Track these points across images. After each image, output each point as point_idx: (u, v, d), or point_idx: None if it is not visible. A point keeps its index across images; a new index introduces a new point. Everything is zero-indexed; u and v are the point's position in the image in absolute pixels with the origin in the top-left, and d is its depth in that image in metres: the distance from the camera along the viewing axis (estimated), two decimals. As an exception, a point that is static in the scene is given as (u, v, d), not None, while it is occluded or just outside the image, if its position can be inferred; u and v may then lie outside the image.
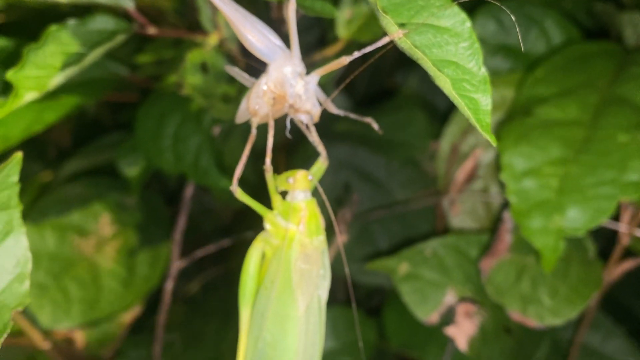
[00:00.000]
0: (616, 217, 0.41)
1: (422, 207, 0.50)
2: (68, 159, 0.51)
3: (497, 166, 0.45)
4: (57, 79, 0.31)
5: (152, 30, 0.36)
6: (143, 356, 0.50)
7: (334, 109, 0.26)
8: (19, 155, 0.25)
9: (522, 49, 0.43)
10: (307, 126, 0.25)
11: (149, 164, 0.46)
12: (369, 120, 0.26)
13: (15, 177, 0.25)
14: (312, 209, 0.25)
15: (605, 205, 0.36)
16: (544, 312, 0.40)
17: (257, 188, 0.27)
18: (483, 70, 0.22)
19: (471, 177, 0.46)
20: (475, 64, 0.21)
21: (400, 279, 0.43)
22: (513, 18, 0.30)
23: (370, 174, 0.52)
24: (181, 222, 0.47)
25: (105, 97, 0.45)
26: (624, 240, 0.41)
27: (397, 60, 0.57)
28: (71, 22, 0.33)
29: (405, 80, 0.56)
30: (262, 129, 0.25)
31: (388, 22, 0.21)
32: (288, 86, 0.23)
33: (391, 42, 0.21)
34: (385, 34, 0.22)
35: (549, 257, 0.36)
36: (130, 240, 0.49)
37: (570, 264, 0.41)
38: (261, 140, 0.24)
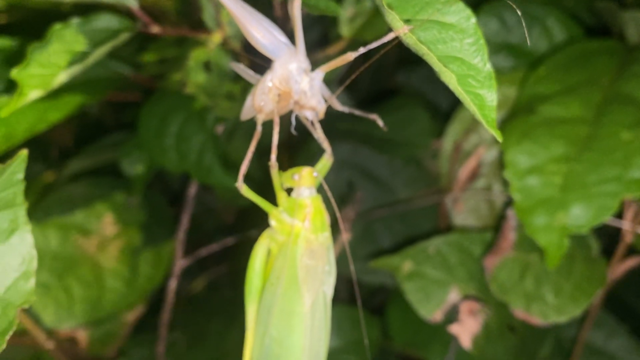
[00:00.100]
0: (619, 215, 0.41)
1: (424, 205, 0.50)
2: (71, 159, 0.51)
3: (499, 164, 0.45)
4: (61, 78, 0.31)
5: (155, 28, 0.36)
6: (146, 355, 0.50)
7: (338, 106, 0.26)
8: (24, 152, 0.25)
9: (529, 43, 0.43)
10: (312, 123, 0.25)
11: (152, 163, 0.46)
12: (374, 116, 0.27)
13: (20, 175, 0.25)
14: (317, 205, 0.25)
15: (608, 202, 0.36)
16: (547, 309, 0.40)
17: (262, 185, 0.27)
18: (488, 66, 0.22)
19: (474, 175, 0.46)
20: (480, 60, 0.22)
21: (404, 277, 0.43)
22: (519, 13, 0.30)
23: (373, 173, 0.52)
24: (185, 221, 0.47)
25: (108, 96, 0.46)
26: (627, 238, 0.41)
27: (399, 60, 0.57)
28: (75, 20, 0.33)
29: (407, 79, 0.56)
30: (267, 126, 0.25)
31: (394, 18, 0.21)
32: (293, 83, 0.23)
33: (396, 38, 0.22)
34: (389, 31, 0.22)
35: (553, 255, 0.36)
36: (133, 239, 0.49)
37: (574, 262, 0.41)
38: (265, 137, 0.25)
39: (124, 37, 0.34)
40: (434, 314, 0.43)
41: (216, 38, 0.37)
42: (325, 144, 0.26)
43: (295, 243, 0.24)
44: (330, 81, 0.42)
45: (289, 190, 0.25)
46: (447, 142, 0.47)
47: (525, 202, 0.37)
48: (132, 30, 0.35)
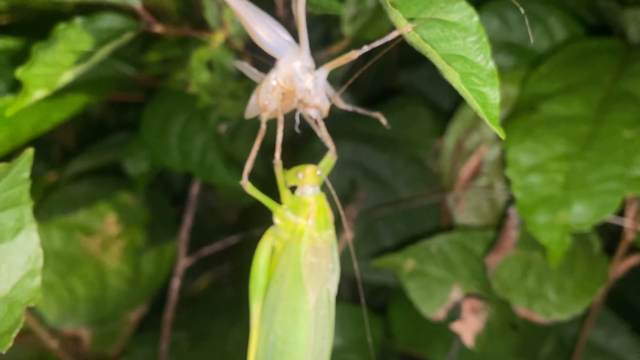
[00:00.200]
0: (621, 213, 0.41)
1: (426, 204, 0.50)
2: (73, 159, 0.51)
3: (501, 163, 0.45)
4: (65, 77, 0.31)
5: (158, 28, 0.36)
6: (149, 354, 0.50)
7: (342, 105, 0.26)
8: (30, 151, 0.25)
9: (532, 41, 0.43)
10: (315, 121, 0.25)
11: (154, 163, 0.46)
12: (377, 115, 0.27)
13: (26, 174, 0.25)
14: (321, 203, 0.25)
15: (610, 200, 0.36)
16: (549, 307, 0.40)
17: (266, 183, 0.27)
18: (491, 64, 0.22)
19: (476, 174, 0.46)
20: (483, 57, 0.22)
21: (406, 275, 0.43)
22: (522, 11, 0.31)
23: (375, 172, 0.52)
24: (187, 220, 0.47)
25: (111, 96, 0.46)
26: (629, 236, 0.41)
27: (401, 59, 0.57)
28: (79, 20, 0.33)
29: (409, 79, 0.56)
30: (270, 124, 0.25)
31: (397, 16, 0.21)
32: (297, 81, 0.23)
33: (399, 36, 0.22)
34: (392, 29, 0.22)
35: (554, 252, 0.36)
36: (136, 239, 0.50)
37: (576, 260, 0.41)
38: (269, 135, 0.25)
39: (127, 36, 0.34)
40: (437, 312, 0.43)
41: (219, 37, 0.37)
42: (328, 142, 0.26)
43: (299, 241, 0.24)
44: (331, 80, 0.42)
45: (292, 189, 0.25)
46: (449, 141, 0.47)
47: (527, 200, 0.37)
48: (135, 30, 0.35)
